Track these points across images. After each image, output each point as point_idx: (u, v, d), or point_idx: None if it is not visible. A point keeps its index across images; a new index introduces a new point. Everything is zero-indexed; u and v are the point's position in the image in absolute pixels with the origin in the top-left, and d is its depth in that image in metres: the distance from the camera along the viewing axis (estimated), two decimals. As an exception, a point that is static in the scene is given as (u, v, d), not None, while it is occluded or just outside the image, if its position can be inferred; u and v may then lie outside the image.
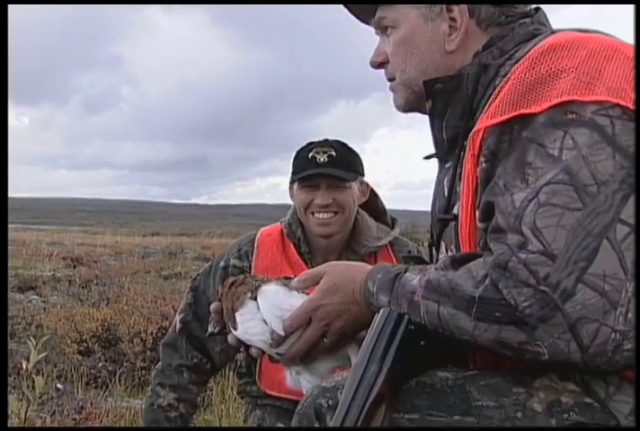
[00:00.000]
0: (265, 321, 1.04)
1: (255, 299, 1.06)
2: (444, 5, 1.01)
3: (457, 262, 0.87)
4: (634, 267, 0.78)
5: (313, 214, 1.76)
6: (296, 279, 1.05)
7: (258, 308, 1.05)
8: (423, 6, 1.03)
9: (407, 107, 1.09)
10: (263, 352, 1.06)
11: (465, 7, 1.01)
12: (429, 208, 1.12)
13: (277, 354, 1.05)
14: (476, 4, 1.01)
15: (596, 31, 0.96)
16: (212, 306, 1.11)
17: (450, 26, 1.02)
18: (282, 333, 1.01)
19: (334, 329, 0.99)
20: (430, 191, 1.12)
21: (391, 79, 1.10)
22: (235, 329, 1.06)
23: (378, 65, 1.10)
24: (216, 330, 1.13)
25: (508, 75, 0.91)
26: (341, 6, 1.14)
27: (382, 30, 1.09)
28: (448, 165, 1.05)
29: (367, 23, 1.13)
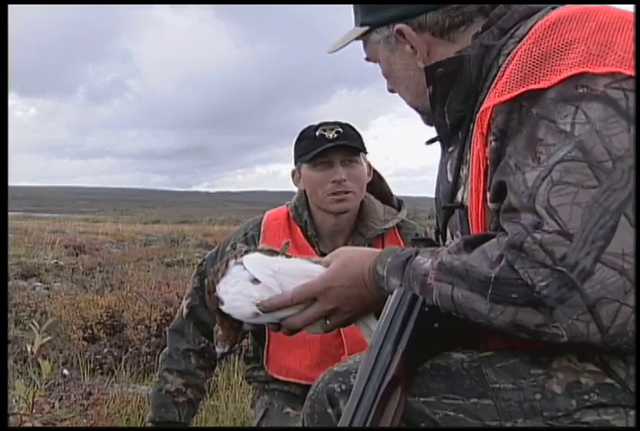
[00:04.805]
0: (253, 281, 1.03)
1: (240, 263, 1.05)
2: (394, 33, 1.02)
3: (470, 244, 0.85)
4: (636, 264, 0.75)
5: (330, 192, 1.72)
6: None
7: (244, 269, 1.04)
8: (382, 39, 1.04)
9: (431, 121, 1.07)
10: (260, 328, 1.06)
11: (409, 28, 1.00)
12: (429, 194, 1.11)
13: (272, 324, 1.03)
14: (418, 18, 1.00)
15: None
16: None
17: (412, 46, 1.02)
18: (279, 290, 1.01)
19: (340, 312, 0.98)
20: (430, 177, 1.11)
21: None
22: (222, 302, 1.05)
23: (392, 91, 1.13)
24: (226, 350, 1.13)
25: (513, 53, 0.89)
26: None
27: None
28: (451, 149, 1.03)
29: None
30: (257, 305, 1.01)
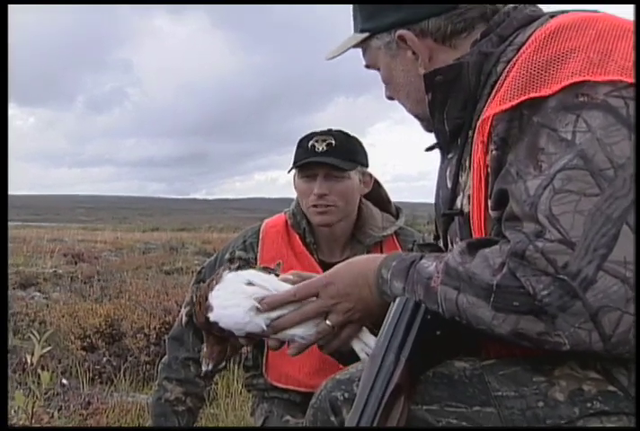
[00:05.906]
0: (247, 284, 1.03)
1: (234, 271, 1.07)
2: (396, 38, 1.02)
3: (474, 247, 0.85)
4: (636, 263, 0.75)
5: (311, 204, 1.73)
6: None
7: (238, 275, 1.05)
8: (382, 45, 1.04)
9: (431, 128, 1.08)
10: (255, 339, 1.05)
11: (411, 34, 1.00)
12: (427, 200, 1.11)
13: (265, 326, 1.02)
14: (420, 24, 1.00)
15: (595, 11, 0.94)
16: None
17: (414, 52, 1.02)
18: (273, 292, 1.01)
19: (340, 310, 0.98)
20: (428, 183, 1.12)
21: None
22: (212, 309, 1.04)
23: (391, 98, 1.13)
24: (210, 368, 1.12)
25: (513, 61, 0.89)
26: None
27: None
28: (450, 156, 1.03)
29: None
30: (259, 302, 1.00)
